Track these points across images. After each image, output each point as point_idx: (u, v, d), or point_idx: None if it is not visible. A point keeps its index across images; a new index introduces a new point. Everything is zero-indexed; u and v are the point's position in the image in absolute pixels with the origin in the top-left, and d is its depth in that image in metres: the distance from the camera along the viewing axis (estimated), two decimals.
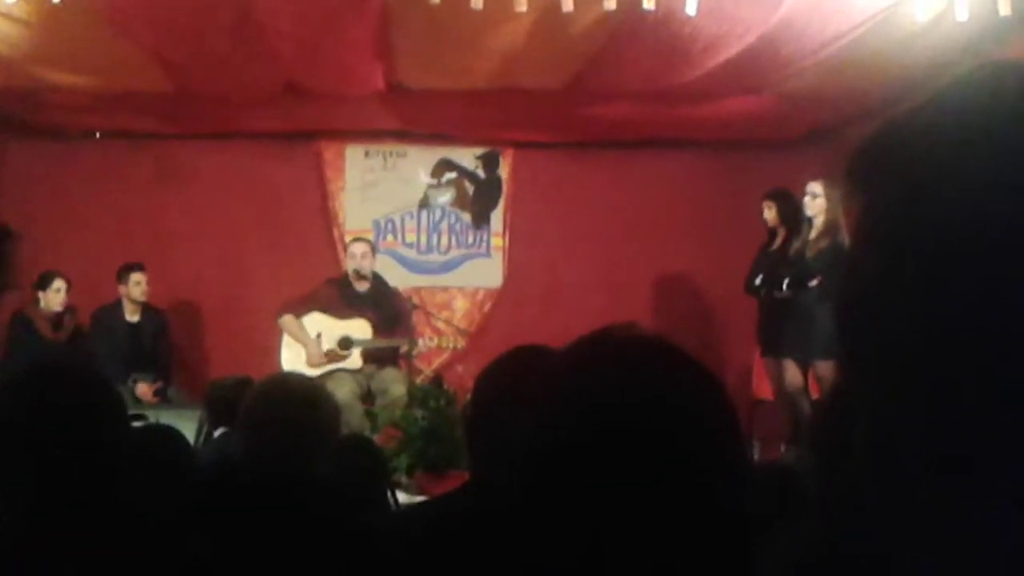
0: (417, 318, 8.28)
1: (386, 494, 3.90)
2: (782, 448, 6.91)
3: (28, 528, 1.87)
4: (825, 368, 6.41)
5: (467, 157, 9.02)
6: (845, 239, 6.42)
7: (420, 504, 2.99)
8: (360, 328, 7.51)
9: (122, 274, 7.74)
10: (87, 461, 1.89)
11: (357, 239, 8.00)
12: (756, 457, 7.22)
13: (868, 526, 0.65)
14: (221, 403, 4.93)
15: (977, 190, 0.58)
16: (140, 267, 7.77)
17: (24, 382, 2.01)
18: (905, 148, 0.64)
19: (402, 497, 5.55)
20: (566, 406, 1.02)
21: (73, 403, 1.93)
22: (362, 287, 7.68)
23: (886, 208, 0.63)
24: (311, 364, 7.36)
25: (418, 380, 7.62)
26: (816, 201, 6.66)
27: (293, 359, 7.46)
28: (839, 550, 1.33)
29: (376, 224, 8.91)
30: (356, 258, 7.67)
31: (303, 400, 2.45)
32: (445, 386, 7.09)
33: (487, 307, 8.96)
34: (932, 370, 0.59)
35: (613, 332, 1.07)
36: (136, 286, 7.74)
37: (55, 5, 5.28)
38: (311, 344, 7.46)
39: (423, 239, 9.01)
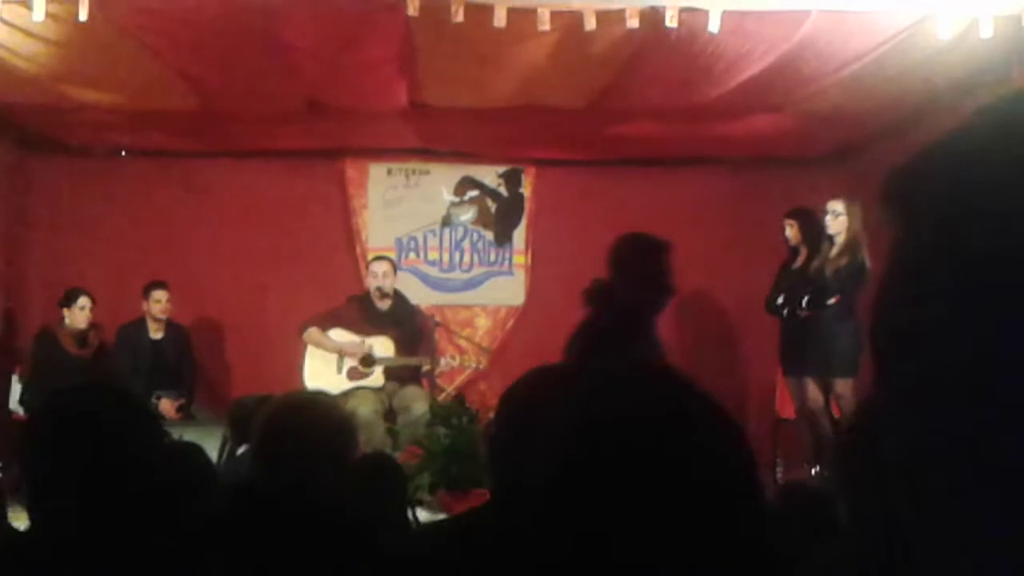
0: (439, 336, 8.28)
1: (406, 512, 3.89)
2: (805, 467, 6.87)
3: (59, 539, 1.89)
4: (844, 386, 6.39)
5: (489, 175, 9.03)
6: (865, 257, 6.41)
7: (440, 522, 2.98)
8: (382, 346, 7.52)
9: (145, 291, 7.80)
10: (121, 476, 1.92)
11: (379, 258, 8.02)
12: (780, 476, 7.19)
13: (903, 544, 0.65)
14: (244, 422, 4.94)
15: (1014, 215, 0.58)
16: (163, 285, 7.82)
17: (61, 399, 2.04)
18: (942, 172, 0.63)
19: (424, 515, 5.55)
20: (583, 429, 1.03)
21: (108, 419, 1.97)
22: (384, 305, 7.70)
23: (922, 232, 0.63)
24: (344, 368, 7.38)
25: (440, 398, 7.62)
26: (838, 219, 6.64)
27: (316, 375, 7.48)
28: (873, 569, 1.32)
29: (398, 242, 8.93)
30: (378, 277, 7.69)
31: (314, 419, 2.45)
32: (467, 404, 7.09)
33: (509, 325, 8.96)
34: (969, 395, 0.58)
35: (623, 361, 1.08)
36: (156, 304, 7.79)
37: (82, 24, 5.33)
38: (344, 345, 7.48)
39: (445, 257, 9.03)
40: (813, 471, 6.70)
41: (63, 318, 7.66)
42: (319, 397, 3.21)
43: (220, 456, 5.80)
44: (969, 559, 0.59)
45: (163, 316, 7.83)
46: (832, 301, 6.56)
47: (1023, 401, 0.56)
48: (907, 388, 0.62)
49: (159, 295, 7.79)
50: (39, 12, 5.28)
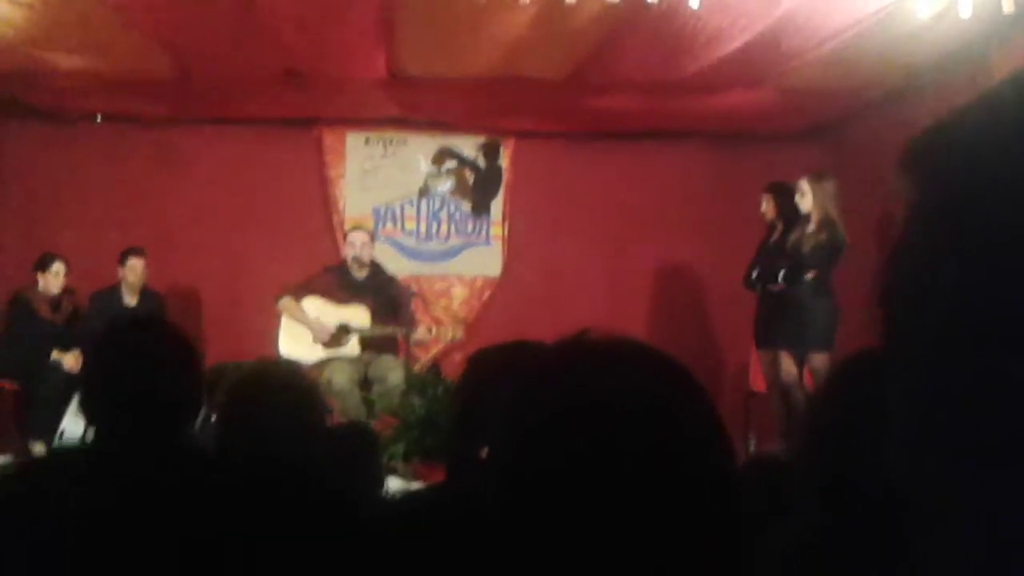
0: (416, 306, 8.28)
1: (381, 483, 3.90)
2: (777, 440, 6.92)
3: (111, 453, 2.05)
4: (820, 360, 6.43)
5: (468, 146, 9.01)
6: (843, 233, 6.44)
7: (413, 492, 2.99)
8: (358, 315, 7.50)
9: (122, 258, 7.75)
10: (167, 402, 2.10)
11: (356, 228, 7.99)
12: (752, 449, 7.24)
13: (896, 514, 0.66)
14: (218, 388, 4.93)
15: None
16: (139, 252, 7.76)
17: (115, 333, 2.25)
18: (957, 145, 0.64)
19: (398, 484, 5.57)
20: (541, 404, 1.03)
21: (157, 350, 2.16)
22: (361, 275, 7.68)
23: (937, 205, 0.63)
24: (318, 341, 7.37)
25: (416, 368, 7.62)
26: (805, 198, 6.68)
27: (291, 344, 7.45)
28: (854, 540, 1.33)
29: (376, 212, 8.90)
30: (355, 246, 7.66)
31: (275, 386, 2.46)
32: (443, 375, 7.11)
33: (486, 296, 8.97)
34: (981, 356, 0.59)
35: (588, 333, 1.08)
36: (132, 271, 7.74)
37: None
38: (314, 323, 7.45)
39: (423, 227, 9.01)
40: (785, 444, 6.75)
41: (37, 283, 7.61)
42: (282, 365, 3.21)
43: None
44: (973, 522, 0.60)
45: (137, 282, 7.78)
46: (810, 276, 6.59)
47: None
48: (919, 349, 0.63)
49: (135, 262, 7.74)
50: None
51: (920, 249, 0.64)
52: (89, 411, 2.17)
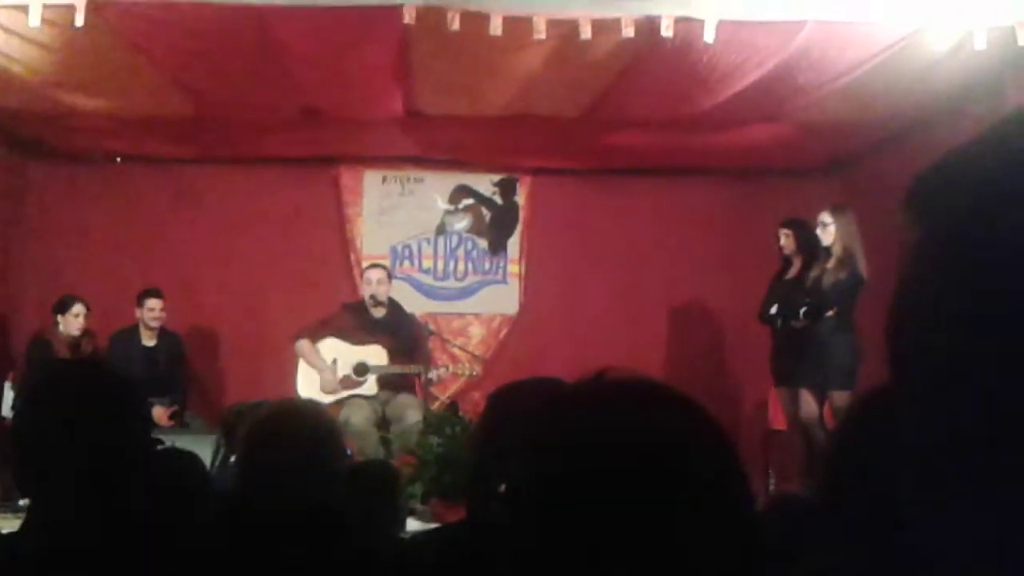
0: (433, 344, 8.28)
1: (403, 521, 3.89)
2: (797, 479, 6.86)
3: (50, 528, 1.90)
4: (841, 399, 6.37)
5: (484, 183, 9.04)
6: (862, 269, 6.41)
7: (432, 531, 2.98)
8: (376, 354, 7.51)
9: (140, 299, 7.77)
10: (110, 457, 1.94)
11: (374, 265, 8.01)
12: (772, 487, 7.18)
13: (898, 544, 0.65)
14: (237, 428, 4.93)
15: None
16: (157, 293, 7.79)
17: (50, 380, 2.09)
18: (961, 181, 0.64)
19: (416, 524, 5.54)
20: (558, 444, 1.03)
21: (95, 397, 1.99)
22: (378, 313, 7.69)
23: (943, 238, 0.63)
24: (324, 391, 7.36)
25: (434, 407, 7.61)
26: (827, 230, 6.64)
27: (309, 384, 7.46)
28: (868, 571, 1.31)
29: (393, 250, 8.92)
30: (372, 284, 7.68)
31: (295, 425, 2.45)
32: (461, 413, 7.09)
33: (503, 334, 8.96)
34: (989, 392, 0.59)
35: (607, 374, 1.08)
36: (150, 312, 7.76)
37: (78, 30, 5.33)
38: (325, 370, 7.46)
39: (440, 265, 9.02)
40: (806, 483, 6.69)
41: (57, 324, 7.64)
42: (303, 404, 3.20)
43: (213, 463, 5.79)
44: (986, 556, 0.59)
45: (156, 324, 7.81)
46: (830, 313, 6.55)
47: None
48: (926, 385, 0.62)
49: (153, 303, 7.77)
50: (35, 17, 5.29)
51: (925, 285, 0.64)
52: (24, 483, 2.00)
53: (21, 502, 6.98)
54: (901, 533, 0.65)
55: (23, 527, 1.96)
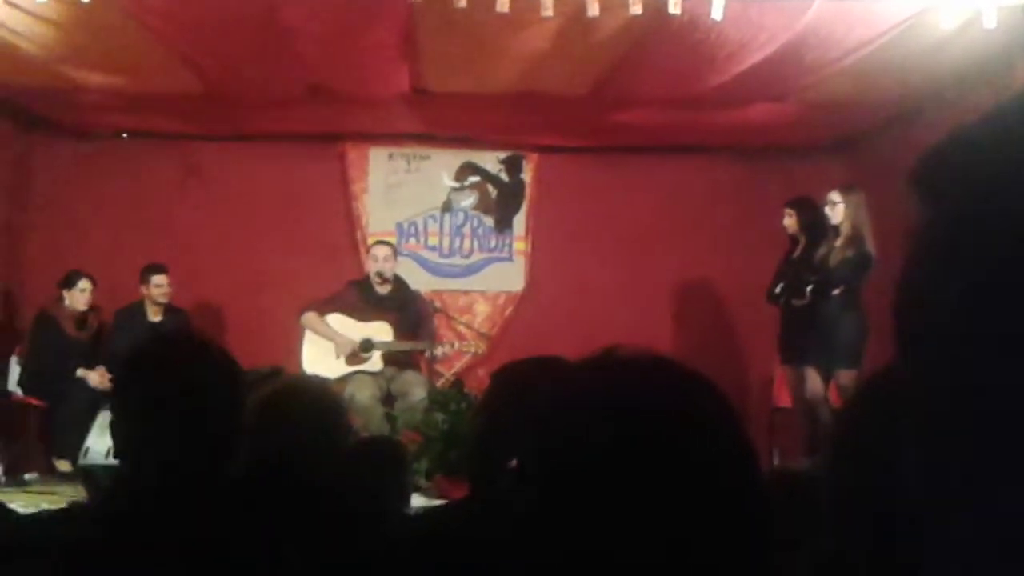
0: (438, 321, 8.30)
1: (408, 498, 3.90)
2: (802, 456, 6.88)
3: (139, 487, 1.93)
4: (847, 377, 6.37)
5: (490, 161, 9.03)
6: (870, 247, 6.39)
7: (437, 508, 2.99)
8: (381, 331, 7.52)
9: (144, 275, 7.76)
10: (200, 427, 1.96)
11: (380, 242, 8.02)
12: (775, 464, 7.19)
13: (912, 526, 0.66)
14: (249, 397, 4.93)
15: None
16: (163, 269, 7.78)
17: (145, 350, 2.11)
18: (968, 158, 0.64)
19: (421, 501, 5.56)
20: (570, 419, 1.03)
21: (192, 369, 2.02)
22: (384, 290, 7.70)
23: (948, 217, 0.63)
24: (341, 355, 7.39)
25: (439, 384, 7.63)
26: (836, 208, 6.63)
27: (314, 360, 7.48)
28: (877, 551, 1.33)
29: (399, 227, 8.93)
30: (379, 261, 7.69)
31: (300, 402, 2.46)
32: (465, 390, 7.10)
33: (508, 311, 8.96)
34: (993, 371, 0.59)
35: (617, 350, 1.08)
36: (157, 288, 7.75)
37: (84, 5, 5.32)
38: (337, 336, 7.47)
39: (446, 242, 9.03)
40: (809, 460, 6.71)
41: (63, 300, 7.65)
42: (307, 381, 3.22)
43: None
44: (987, 538, 0.60)
45: (164, 300, 7.81)
46: (837, 292, 6.55)
47: None
48: (931, 366, 0.63)
49: (159, 279, 7.76)
50: None
51: (931, 265, 0.64)
52: (120, 439, 2.02)
53: (26, 476, 7.03)
54: (905, 516, 0.65)
55: (109, 492, 2.00)
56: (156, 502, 1.91)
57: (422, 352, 7.63)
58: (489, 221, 9.05)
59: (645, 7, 5.35)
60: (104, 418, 6.33)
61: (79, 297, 7.63)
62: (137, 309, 7.80)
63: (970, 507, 0.60)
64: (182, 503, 1.90)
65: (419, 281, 8.45)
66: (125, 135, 8.56)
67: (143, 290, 7.79)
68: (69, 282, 7.63)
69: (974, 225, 0.61)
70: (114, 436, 2.02)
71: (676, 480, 0.97)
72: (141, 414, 1.97)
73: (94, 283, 7.67)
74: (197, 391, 1.97)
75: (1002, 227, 0.59)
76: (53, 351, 7.48)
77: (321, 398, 2.51)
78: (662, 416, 1.01)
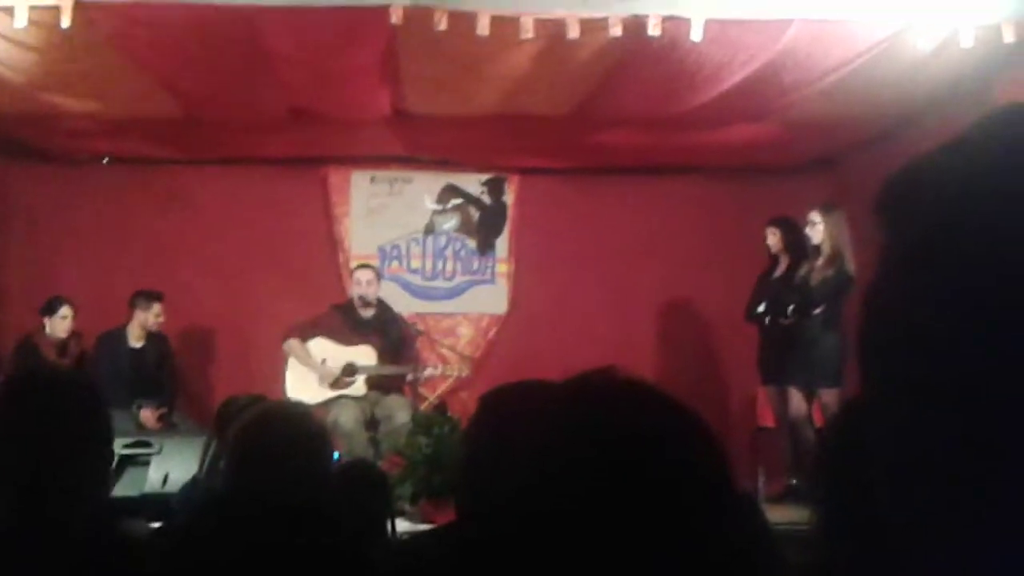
0: (421, 345, 8.28)
1: (387, 522, 3.88)
2: (786, 476, 6.89)
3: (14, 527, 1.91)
4: (830, 396, 6.39)
5: (472, 183, 9.04)
6: (850, 267, 6.42)
7: (420, 534, 2.98)
8: (364, 354, 7.51)
9: (141, 301, 7.70)
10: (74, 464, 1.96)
11: (363, 266, 8.01)
12: (760, 485, 7.19)
13: (883, 548, 0.66)
14: (231, 421, 4.90)
15: (1004, 225, 0.59)
16: (159, 297, 7.76)
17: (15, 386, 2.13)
18: (930, 185, 0.64)
19: (406, 525, 5.53)
20: (552, 446, 1.04)
21: (60, 406, 2.01)
22: (367, 313, 7.69)
23: (910, 242, 0.63)
24: (324, 383, 7.37)
25: (422, 407, 7.61)
26: (816, 228, 6.67)
27: (298, 384, 7.45)
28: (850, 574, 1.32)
29: (381, 250, 8.91)
30: (361, 285, 7.68)
31: (284, 428, 2.45)
32: (449, 413, 7.08)
33: (492, 334, 8.95)
34: (956, 401, 0.59)
35: (594, 375, 1.09)
36: (156, 317, 7.74)
37: (63, 31, 5.31)
38: (319, 366, 7.45)
39: (428, 265, 9.02)
40: (793, 480, 6.71)
41: (44, 327, 7.61)
42: (289, 407, 3.20)
43: (203, 463, 5.77)
44: (956, 562, 0.60)
45: (156, 328, 7.79)
46: (818, 311, 6.57)
47: (1010, 406, 0.57)
48: (894, 393, 0.63)
49: (159, 308, 7.75)
50: (21, 19, 5.27)
51: (893, 287, 0.64)
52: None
53: None
54: (887, 534, 0.65)
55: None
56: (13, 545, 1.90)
57: (405, 376, 7.61)
58: (472, 243, 9.05)
59: (625, 29, 5.38)
60: None
61: (60, 324, 7.59)
62: (119, 334, 7.76)
63: (939, 520, 0.60)
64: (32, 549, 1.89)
65: (402, 304, 8.43)
66: (106, 160, 8.53)
67: (138, 315, 7.72)
68: (50, 309, 7.60)
69: (936, 248, 0.61)
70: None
71: (652, 506, 0.98)
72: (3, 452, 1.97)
73: (75, 309, 7.63)
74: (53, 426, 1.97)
75: (964, 250, 0.59)
76: None
77: (302, 423, 2.50)
78: (638, 444, 1.01)
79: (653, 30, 5.34)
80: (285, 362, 7.58)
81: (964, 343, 0.58)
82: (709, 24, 5.38)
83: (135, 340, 7.78)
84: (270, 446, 2.37)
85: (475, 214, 9.06)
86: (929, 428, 0.60)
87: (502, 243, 9.04)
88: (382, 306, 7.80)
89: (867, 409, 0.66)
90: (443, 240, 9.04)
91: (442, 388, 8.45)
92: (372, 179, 8.95)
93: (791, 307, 6.70)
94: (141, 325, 7.74)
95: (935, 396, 0.59)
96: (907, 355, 0.61)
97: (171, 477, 6.07)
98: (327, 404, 7.23)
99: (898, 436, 0.62)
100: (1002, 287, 0.57)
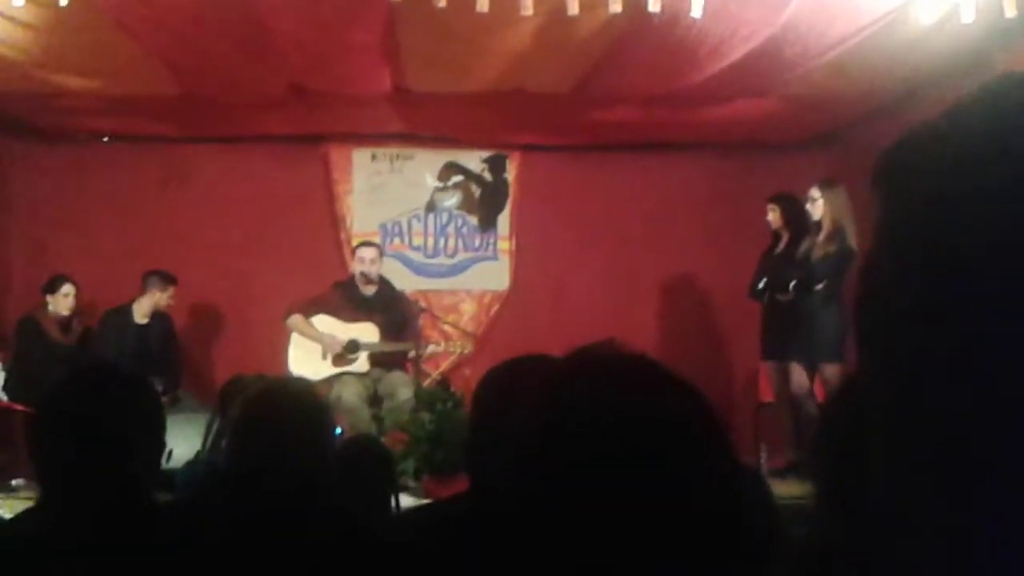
0: (424, 321, 8.28)
1: (391, 496, 3.90)
2: (788, 450, 6.91)
3: (58, 511, 1.99)
4: (831, 371, 6.41)
5: (474, 160, 9.03)
6: (852, 242, 6.42)
7: (423, 507, 2.99)
8: (367, 332, 7.51)
9: (159, 281, 7.74)
10: (114, 451, 2.04)
11: (366, 243, 8.00)
12: (763, 460, 7.22)
13: (878, 524, 0.66)
14: (236, 397, 4.92)
15: (995, 201, 0.59)
16: (176, 281, 7.80)
17: (64, 382, 2.20)
18: (925, 157, 0.64)
19: (409, 501, 5.56)
20: (556, 420, 1.04)
21: (114, 400, 2.10)
22: (369, 291, 7.69)
23: (905, 215, 0.64)
24: (329, 355, 7.39)
25: (425, 383, 7.62)
26: (816, 204, 6.67)
27: (301, 361, 7.47)
28: (847, 549, 1.34)
29: (383, 227, 8.91)
30: (365, 262, 7.67)
31: (285, 403, 2.46)
32: (452, 389, 7.09)
33: (494, 310, 8.96)
34: (951, 377, 0.59)
35: (597, 349, 1.10)
36: (169, 299, 7.80)
37: (62, 9, 5.30)
38: (324, 336, 7.46)
39: (430, 242, 9.02)
40: (795, 455, 6.73)
41: (46, 305, 7.63)
42: (291, 382, 3.21)
43: (206, 440, 5.80)
44: (946, 543, 0.60)
45: (165, 310, 7.82)
46: (820, 287, 6.58)
47: (1006, 382, 0.57)
48: (890, 367, 0.63)
49: (172, 291, 7.79)
50: None
51: (887, 263, 0.64)
52: (41, 469, 2.11)
53: (13, 482, 7.00)
54: (882, 509, 0.66)
55: (27, 514, 2.02)
56: (78, 525, 1.97)
57: (407, 353, 7.62)
58: (473, 220, 9.04)
59: (625, 5, 5.36)
60: None
61: (63, 302, 7.61)
62: (126, 311, 7.77)
63: (931, 502, 0.61)
64: (102, 529, 1.96)
65: (404, 281, 8.44)
66: (106, 138, 8.52)
67: (153, 293, 7.73)
68: (52, 287, 7.61)
69: (931, 219, 0.61)
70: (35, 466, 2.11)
71: (652, 479, 0.98)
72: (64, 442, 2.05)
73: (77, 287, 7.65)
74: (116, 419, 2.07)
75: (958, 221, 0.59)
76: (38, 356, 7.45)
77: (303, 399, 2.51)
78: (635, 417, 1.02)
79: (653, 6, 5.31)
80: (288, 338, 7.59)
81: (959, 315, 0.59)
82: (709, 0, 5.37)
83: (140, 317, 7.79)
84: (271, 421, 2.38)
85: (476, 191, 9.05)
86: (924, 405, 0.60)
87: (503, 220, 9.04)
88: (384, 283, 7.81)
89: (863, 384, 0.67)
90: (445, 217, 9.04)
91: (445, 365, 8.47)
92: (373, 156, 8.94)
93: (792, 283, 6.71)
94: (152, 304, 7.75)
95: (930, 370, 0.60)
96: (901, 328, 0.62)
97: (175, 453, 6.08)
98: (330, 380, 7.25)
99: (893, 411, 0.63)
100: (996, 257, 0.57)
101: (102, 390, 2.13)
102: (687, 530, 0.98)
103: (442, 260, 9.02)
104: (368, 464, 3.75)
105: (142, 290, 7.76)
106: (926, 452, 0.61)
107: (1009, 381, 0.57)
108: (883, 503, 0.65)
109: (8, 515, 3.06)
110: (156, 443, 2.17)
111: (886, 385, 0.63)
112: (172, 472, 5.64)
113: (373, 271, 7.66)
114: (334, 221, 8.90)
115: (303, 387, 2.87)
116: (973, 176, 0.60)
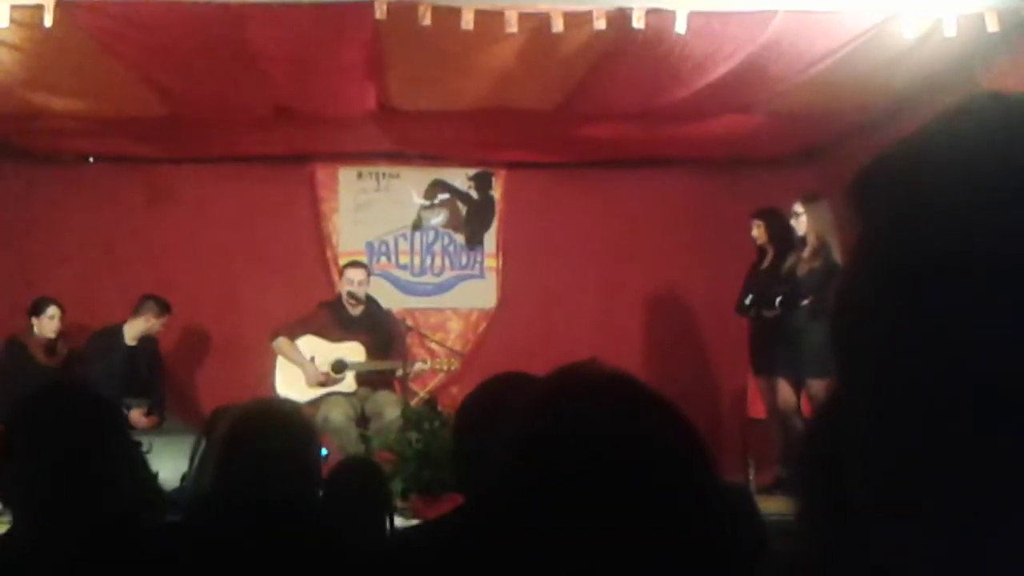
0: (411, 340, 8.27)
1: (389, 517, 3.88)
2: (776, 467, 6.91)
3: (34, 535, 1.96)
4: (818, 387, 6.41)
5: (460, 178, 9.03)
6: (837, 258, 6.44)
7: (414, 527, 2.98)
8: (354, 351, 7.50)
9: (154, 307, 7.69)
10: (89, 473, 2.02)
11: (354, 263, 7.99)
12: (751, 476, 7.21)
13: (857, 540, 0.66)
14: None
15: (968, 219, 0.59)
16: (171, 309, 7.76)
17: (31, 401, 2.17)
18: (900, 175, 0.64)
19: (397, 520, 5.53)
20: (538, 439, 1.05)
21: (77, 418, 2.08)
22: (356, 310, 7.68)
23: (879, 233, 0.64)
24: (310, 384, 7.36)
25: (412, 402, 7.60)
26: (799, 220, 6.69)
27: (287, 382, 7.44)
28: (829, 563, 1.33)
29: (369, 246, 8.91)
30: (353, 283, 7.65)
31: (270, 425, 2.45)
32: (439, 408, 7.07)
33: (481, 328, 8.96)
34: (927, 398, 0.59)
35: (579, 368, 1.11)
36: (161, 326, 7.75)
37: (47, 30, 5.29)
38: (307, 365, 7.45)
39: (416, 261, 9.01)
40: (783, 471, 6.73)
41: (32, 327, 7.59)
42: (277, 404, 3.20)
43: (191, 463, 5.77)
44: (925, 554, 0.60)
45: (154, 335, 7.79)
46: (805, 302, 6.59)
47: (980, 400, 0.57)
48: (866, 388, 0.63)
49: (166, 319, 7.75)
50: (3, 18, 5.24)
51: (863, 280, 0.65)
52: (10, 493, 2.09)
53: None
54: (862, 524, 0.66)
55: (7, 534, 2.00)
56: (51, 549, 1.95)
57: (394, 371, 7.60)
58: (460, 238, 9.05)
59: (609, 22, 5.38)
60: None
61: (48, 324, 7.57)
62: (115, 332, 7.71)
63: (911, 509, 0.61)
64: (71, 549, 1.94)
65: (391, 300, 8.43)
66: (91, 159, 8.51)
67: (147, 318, 7.67)
68: (37, 309, 7.57)
69: (906, 237, 0.61)
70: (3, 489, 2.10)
71: (631, 495, 0.98)
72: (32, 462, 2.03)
73: (62, 310, 7.61)
74: (78, 436, 2.05)
75: (933, 239, 0.60)
76: (23, 378, 7.40)
77: (287, 420, 2.50)
78: (615, 435, 1.02)
79: (637, 23, 5.34)
80: (275, 359, 7.57)
81: (933, 329, 0.59)
82: (693, 16, 5.39)
83: (131, 339, 7.74)
84: (256, 443, 2.37)
85: (463, 209, 9.06)
86: (901, 420, 0.60)
87: (490, 238, 9.04)
88: (371, 303, 7.80)
89: (841, 401, 0.67)
90: (431, 235, 9.04)
91: (432, 383, 8.45)
92: (359, 175, 8.94)
93: (778, 299, 6.72)
94: (146, 328, 7.70)
95: (906, 388, 0.60)
96: (876, 342, 0.62)
97: (160, 477, 6.05)
98: (317, 401, 7.23)
99: (870, 428, 0.63)
100: (972, 276, 0.57)
101: (64, 410, 2.10)
102: (668, 545, 0.98)
103: (429, 278, 9.02)
104: (364, 485, 3.74)
105: (135, 312, 7.71)
106: (903, 465, 0.61)
107: (984, 393, 0.57)
108: (861, 516, 0.65)
109: None
110: (130, 466, 2.15)
111: (862, 398, 0.63)
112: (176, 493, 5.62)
113: (361, 292, 7.66)
114: (320, 240, 8.89)
115: (289, 408, 2.86)
116: (946, 194, 0.60)
